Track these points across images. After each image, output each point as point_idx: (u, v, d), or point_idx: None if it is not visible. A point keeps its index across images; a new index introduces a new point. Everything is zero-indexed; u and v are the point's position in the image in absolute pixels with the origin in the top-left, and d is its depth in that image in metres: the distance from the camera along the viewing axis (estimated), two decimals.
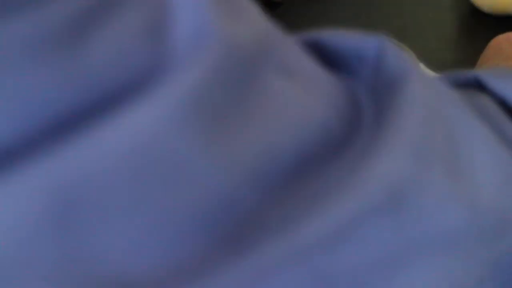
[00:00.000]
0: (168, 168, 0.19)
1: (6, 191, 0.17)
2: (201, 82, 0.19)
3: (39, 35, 0.17)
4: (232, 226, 0.20)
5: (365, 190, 0.22)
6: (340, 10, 0.87)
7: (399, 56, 0.26)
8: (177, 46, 0.19)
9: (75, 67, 0.18)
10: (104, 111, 0.18)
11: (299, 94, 0.23)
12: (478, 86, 0.32)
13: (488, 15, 0.83)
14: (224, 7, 0.21)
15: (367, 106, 0.25)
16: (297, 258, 0.21)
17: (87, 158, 0.18)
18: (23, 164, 0.17)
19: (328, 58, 0.27)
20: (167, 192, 0.19)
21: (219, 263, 0.20)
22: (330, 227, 0.22)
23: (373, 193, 0.22)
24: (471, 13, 0.85)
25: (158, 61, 0.19)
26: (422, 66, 0.75)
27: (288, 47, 0.24)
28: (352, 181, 0.22)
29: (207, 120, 0.19)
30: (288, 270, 0.21)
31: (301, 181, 0.22)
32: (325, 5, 0.88)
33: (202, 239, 0.20)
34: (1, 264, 0.17)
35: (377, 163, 0.23)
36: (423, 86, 0.25)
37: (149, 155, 0.19)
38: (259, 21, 0.23)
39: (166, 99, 0.19)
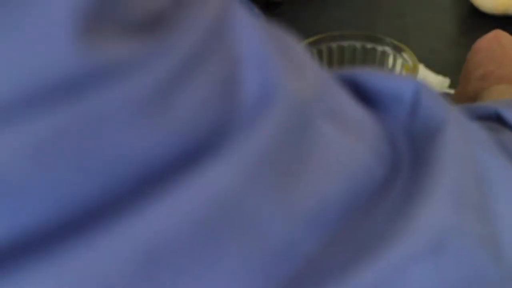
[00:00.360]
0: (239, 221, 0.20)
1: (96, 248, 0.18)
2: (269, 140, 0.21)
3: (137, 98, 0.18)
4: (293, 273, 0.22)
5: (413, 238, 0.23)
6: (340, 10, 0.87)
7: (435, 99, 0.27)
8: (245, 103, 0.20)
9: (162, 127, 0.19)
10: (183, 169, 0.19)
11: (347, 140, 0.24)
12: (498, 118, 0.33)
13: (488, 15, 0.83)
14: (286, 62, 0.22)
15: (403, 147, 0.26)
16: None
17: (169, 216, 0.19)
18: (110, 223, 0.18)
19: (365, 95, 0.28)
20: (237, 242, 0.20)
21: None
22: (382, 273, 0.23)
23: (419, 240, 0.23)
24: (471, 13, 0.85)
25: (229, 118, 0.20)
26: (422, 66, 0.75)
27: (337, 92, 0.25)
28: (400, 229, 0.23)
29: (274, 174, 0.21)
30: None
31: (350, 226, 0.23)
32: (324, 5, 0.88)
33: (266, 286, 0.21)
34: None
35: (423, 212, 0.24)
36: (458, 131, 0.26)
37: (223, 211, 0.20)
38: (314, 72, 0.24)
39: (239, 158, 0.20)
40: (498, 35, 0.56)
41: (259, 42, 0.21)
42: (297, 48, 0.24)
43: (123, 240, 0.18)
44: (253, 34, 0.21)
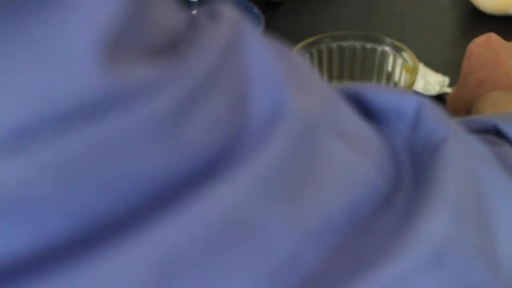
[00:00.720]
0: (248, 234, 0.21)
1: (113, 260, 0.19)
2: (278, 157, 0.21)
3: (154, 119, 0.19)
4: (298, 285, 0.22)
5: (414, 250, 0.24)
6: (340, 10, 0.87)
7: (437, 114, 0.28)
8: (255, 121, 0.21)
9: (176, 147, 0.20)
10: (196, 185, 0.20)
11: (352, 156, 0.25)
12: (497, 132, 0.33)
13: (488, 15, 0.83)
14: (294, 80, 0.23)
15: (405, 162, 0.27)
16: None
17: (183, 229, 0.20)
18: (127, 236, 0.19)
19: (368, 110, 0.29)
20: (246, 254, 0.21)
21: None
22: (383, 285, 0.23)
23: (420, 252, 0.24)
24: (471, 13, 0.85)
25: (239, 136, 0.21)
26: (421, 65, 0.75)
27: (343, 109, 0.26)
28: (402, 241, 0.24)
29: (281, 189, 0.22)
30: None
31: (353, 240, 0.24)
32: (324, 5, 0.88)
33: None
34: None
35: (423, 225, 0.24)
36: (458, 145, 0.27)
37: (234, 225, 0.21)
38: (321, 89, 0.25)
39: (249, 174, 0.21)
40: (489, 39, 0.55)
41: (268, 62, 0.22)
42: (305, 66, 0.25)
43: (139, 252, 0.19)
44: (263, 53, 0.22)
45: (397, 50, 0.59)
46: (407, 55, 0.58)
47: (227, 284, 0.21)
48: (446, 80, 0.73)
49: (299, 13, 0.86)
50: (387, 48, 0.59)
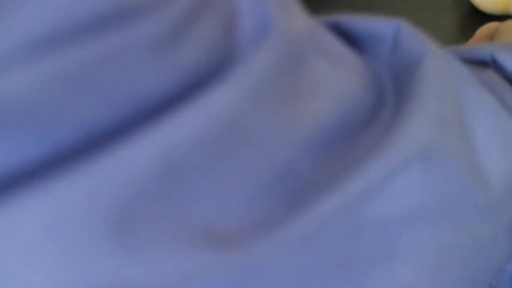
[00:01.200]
0: (245, 138, 0.23)
1: (119, 161, 0.21)
2: (267, 67, 0.23)
3: (152, 36, 0.21)
4: (293, 188, 0.24)
5: (398, 149, 0.26)
6: (339, 10, 0.87)
7: (414, 35, 0.30)
8: (245, 36, 0.23)
9: (172, 63, 0.22)
10: (193, 93, 0.22)
11: (337, 73, 0.27)
12: (493, 61, 0.35)
13: (488, 15, 0.83)
14: (279, 3, 0.25)
15: (387, 82, 0.29)
16: (344, 210, 0.25)
17: (181, 132, 0.21)
18: (131, 138, 0.21)
19: (349, 38, 0.31)
20: (245, 159, 0.23)
21: (285, 220, 0.23)
22: (370, 181, 0.25)
23: (406, 151, 0.26)
24: (471, 13, 0.85)
25: (231, 52, 0.23)
26: None
27: (324, 33, 0.28)
28: (387, 142, 0.26)
29: (274, 98, 0.23)
30: (338, 221, 0.25)
31: (344, 145, 0.26)
32: (324, 5, 0.88)
33: (270, 199, 0.23)
34: (121, 211, 0.21)
35: (406, 128, 0.26)
36: (437, 61, 0.29)
37: (230, 127, 0.22)
38: (303, 14, 0.27)
39: (242, 82, 0.23)
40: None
41: None
42: None
43: (143, 151, 0.21)
44: None
45: None
46: None
47: (226, 187, 0.22)
48: None
49: None
50: None
